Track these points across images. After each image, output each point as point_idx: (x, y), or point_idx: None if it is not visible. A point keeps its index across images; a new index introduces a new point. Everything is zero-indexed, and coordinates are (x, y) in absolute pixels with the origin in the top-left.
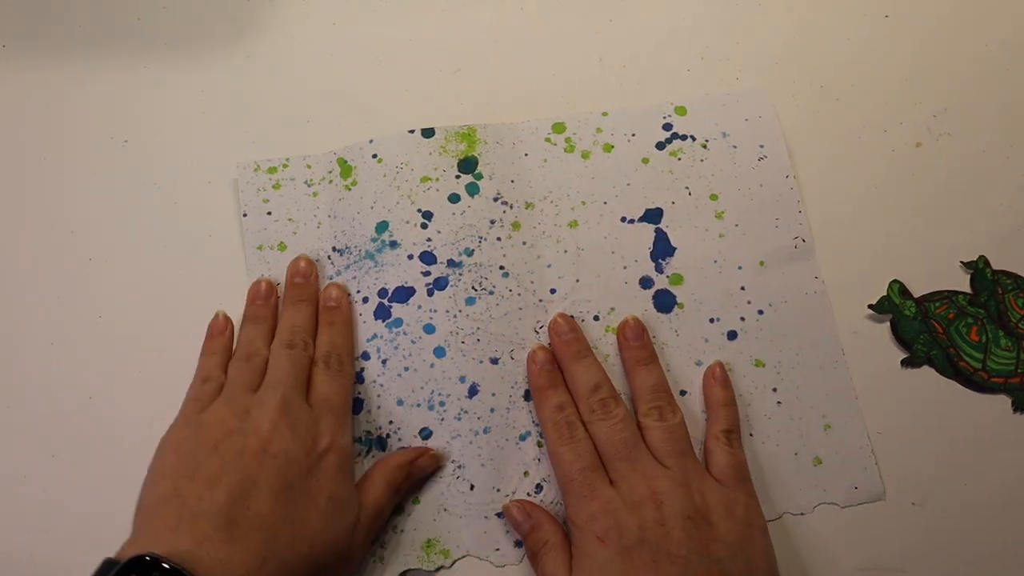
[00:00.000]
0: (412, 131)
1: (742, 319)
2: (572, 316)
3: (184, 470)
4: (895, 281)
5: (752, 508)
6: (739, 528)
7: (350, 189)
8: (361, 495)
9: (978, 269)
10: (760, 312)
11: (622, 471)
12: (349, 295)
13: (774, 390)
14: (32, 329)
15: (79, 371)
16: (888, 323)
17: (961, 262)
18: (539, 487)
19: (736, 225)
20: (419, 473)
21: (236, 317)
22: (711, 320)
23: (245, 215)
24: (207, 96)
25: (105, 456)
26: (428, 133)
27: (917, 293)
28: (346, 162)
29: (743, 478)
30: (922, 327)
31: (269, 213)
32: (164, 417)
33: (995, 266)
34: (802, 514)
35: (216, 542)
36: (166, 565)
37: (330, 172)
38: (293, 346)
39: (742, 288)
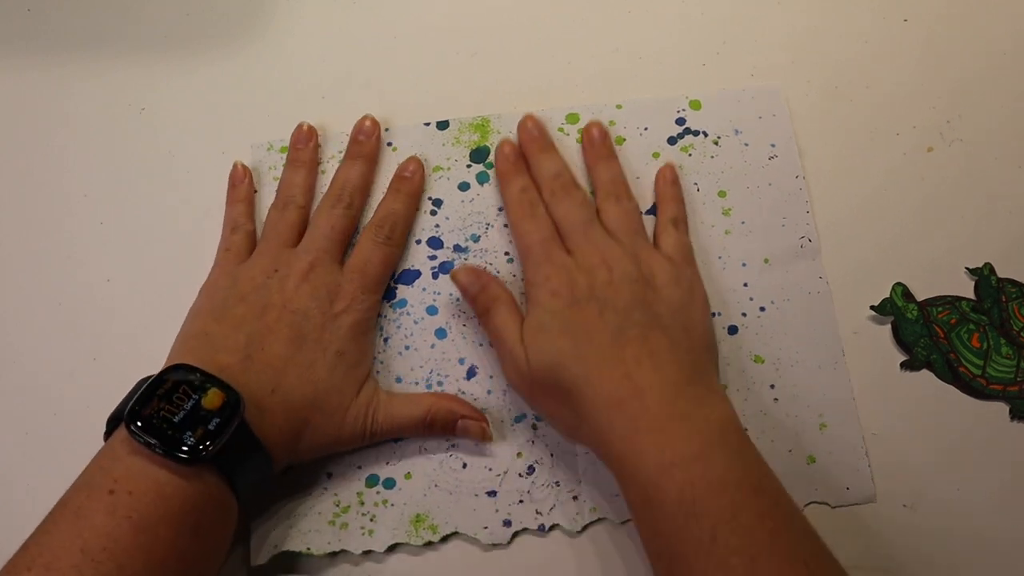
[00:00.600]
0: (428, 124)
1: (743, 315)
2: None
3: (214, 314)
4: (898, 283)
5: (695, 281)
6: (681, 294)
7: None
8: (396, 398)
9: (983, 276)
10: (762, 309)
11: (577, 242)
12: (424, 170)
13: (771, 387)
14: (41, 288)
15: (85, 332)
16: (889, 325)
17: (966, 268)
18: (531, 468)
19: (743, 222)
20: (462, 432)
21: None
22: (712, 314)
23: (255, 192)
24: (223, 70)
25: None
26: (443, 125)
27: (920, 297)
28: None
29: (689, 259)
30: (923, 331)
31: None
32: None
33: (1000, 274)
34: None
35: (235, 370)
36: (198, 372)
37: (341, 153)
38: (338, 203)
39: (745, 284)
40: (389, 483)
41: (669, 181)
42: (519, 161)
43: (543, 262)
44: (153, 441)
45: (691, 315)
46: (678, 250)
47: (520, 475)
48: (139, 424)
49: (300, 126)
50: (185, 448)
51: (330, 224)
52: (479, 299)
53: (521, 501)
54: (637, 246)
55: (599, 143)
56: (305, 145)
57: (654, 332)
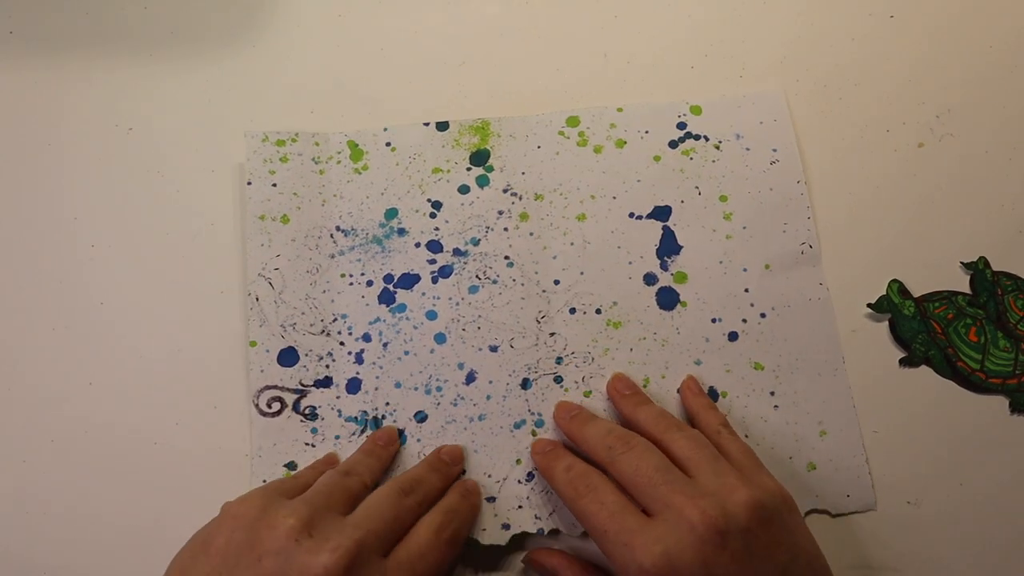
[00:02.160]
0: (427, 124)
1: (744, 321)
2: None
3: (221, 565)
4: (894, 280)
5: (788, 498)
6: (783, 515)
7: (360, 173)
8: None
9: (978, 270)
10: (762, 315)
11: (661, 496)
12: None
13: (771, 394)
14: (34, 314)
15: (79, 357)
16: (887, 322)
17: (961, 263)
18: (530, 475)
19: (744, 227)
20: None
21: (233, 299)
22: (713, 320)
23: (249, 183)
24: (212, 86)
25: (103, 442)
26: (442, 126)
27: (917, 293)
28: (357, 146)
29: (759, 463)
30: (921, 327)
31: (274, 185)
32: (162, 404)
33: (995, 267)
34: None
35: None
36: None
37: (339, 153)
38: (406, 494)
39: (746, 290)
40: None
41: (696, 393)
42: (557, 447)
43: (627, 544)
44: None
45: (798, 532)
46: (748, 457)
47: (519, 481)
48: None
49: (390, 430)
50: None
51: (393, 507)
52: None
53: (520, 507)
54: (722, 474)
55: (630, 394)
56: (384, 446)
57: None
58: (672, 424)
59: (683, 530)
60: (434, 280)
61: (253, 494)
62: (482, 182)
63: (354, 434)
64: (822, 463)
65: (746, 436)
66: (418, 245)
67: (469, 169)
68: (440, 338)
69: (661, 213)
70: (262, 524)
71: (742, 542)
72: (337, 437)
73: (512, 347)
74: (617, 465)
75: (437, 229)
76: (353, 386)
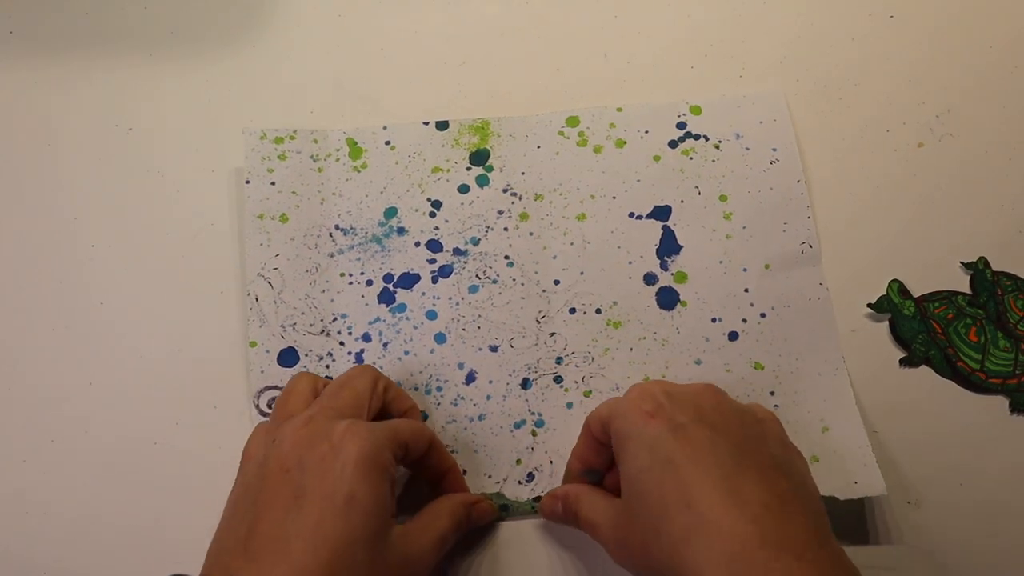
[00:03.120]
0: (427, 123)
1: (744, 321)
2: (574, 308)
3: (226, 514)
4: (894, 280)
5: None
6: (790, 451)
7: (359, 171)
8: (422, 523)
9: (978, 270)
10: (762, 315)
11: (666, 393)
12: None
13: (772, 393)
14: (34, 314)
15: (79, 357)
16: (887, 322)
17: (961, 263)
18: (531, 476)
19: (744, 227)
20: (478, 520)
21: (232, 299)
22: (713, 320)
23: (248, 182)
24: (212, 85)
25: (103, 442)
26: (442, 126)
27: (917, 293)
28: (356, 144)
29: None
30: (921, 327)
31: (273, 183)
32: (162, 404)
33: (995, 267)
34: None
35: (237, 564)
36: None
37: (338, 151)
38: (356, 390)
39: (746, 290)
40: None
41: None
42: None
43: (633, 389)
44: None
45: (800, 463)
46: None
47: (519, 482)
48: None
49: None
50: None
51: (353, 392)
52: (564, 510)
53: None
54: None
55: None
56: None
57: (775, 473)
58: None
59: (688, 389)
60: (434, 280)
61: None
62: (482, 182)
63: None
64: (825, 456)
65: None
66: (418, 244)
67: (469, 169)
68: (440, 338)
69: (661, 213)
70: (239, 483)
71: (736, 414)
72: None
73: (512, 347)
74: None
75: (437, 228)
76: None
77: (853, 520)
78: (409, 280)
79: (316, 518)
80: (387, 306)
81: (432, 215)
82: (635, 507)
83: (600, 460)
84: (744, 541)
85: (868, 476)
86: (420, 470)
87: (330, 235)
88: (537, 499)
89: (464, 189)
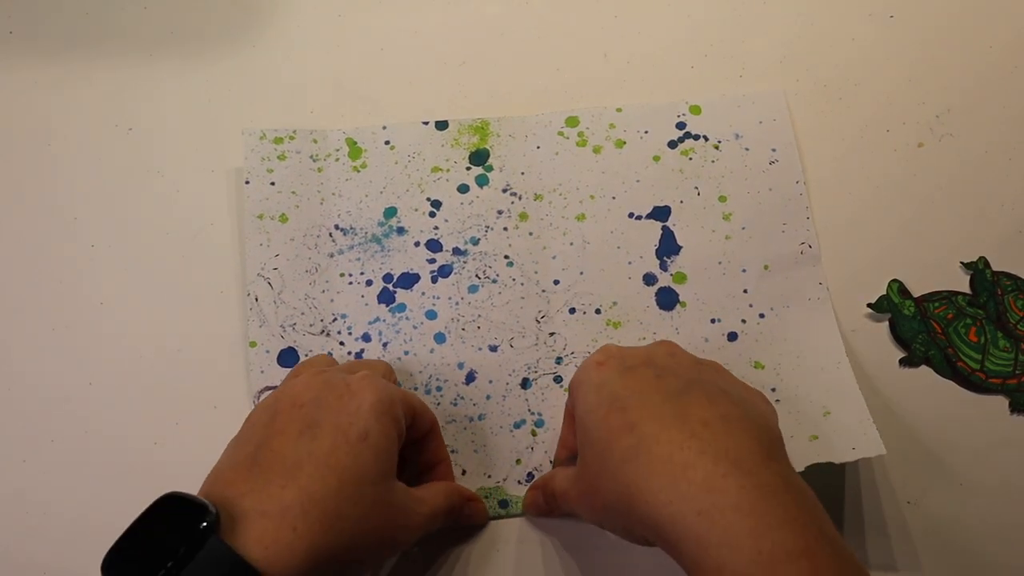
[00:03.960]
0: (426, 122)
1: (743, 321)
2: (574, 308)
3: (230, 445)
4: (894, 280)
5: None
6: (746, 390)
7: (359, 171)
8: (420, 492)
9: (978, 270)
10: (761, 315)
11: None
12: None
13: (773, 390)
14: (34, 314)
15: (79, 357)
16: (887, 322)
17: (961, 263)
18: (530, 475)
19: (743, 228)
20: (470, 516)
21: (232, 299)
22: (712, 320)
23: (247, 182)
24: (211, 85)
25: (104, 442)
26: (441, 125)
27: (917, 293)
28: (356, 143)
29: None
30: (921, 327)
31: (272, 183)
32: (162, 404)
33: (995, 267)
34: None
35: (238, 482)
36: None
37: (337, 150)
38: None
39: (745, 291)
40: None
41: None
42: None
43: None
44: None
45: (760, 403)
46: None
47: (519, 482)
48: (111, 565)
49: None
50: None
51: (368, 366)
52: (543, 499)
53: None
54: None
55: None
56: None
57: (722, 398)
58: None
59: (644, 346)
60: (434, 279)
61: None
62: (481, 181)
63: None
64: (825, 433)
65: None
66: (417, 244)
67: (468, 168)
68: (440, 338)
69: (660, 213)
70: (250, 420)
71: (692, 361)
72: None
73: (512, 347)
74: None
75: (436, 228)
76: None
77: (853, 520)
78: (409, 280)
79: (328, 447)
80: (387, 306)
81: (432, 215)
82: (586, 450)
83: None
84: (682, 448)
85: (867, 441)
86: (417, 453)
87: (330, 235)
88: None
89: (464, 189)
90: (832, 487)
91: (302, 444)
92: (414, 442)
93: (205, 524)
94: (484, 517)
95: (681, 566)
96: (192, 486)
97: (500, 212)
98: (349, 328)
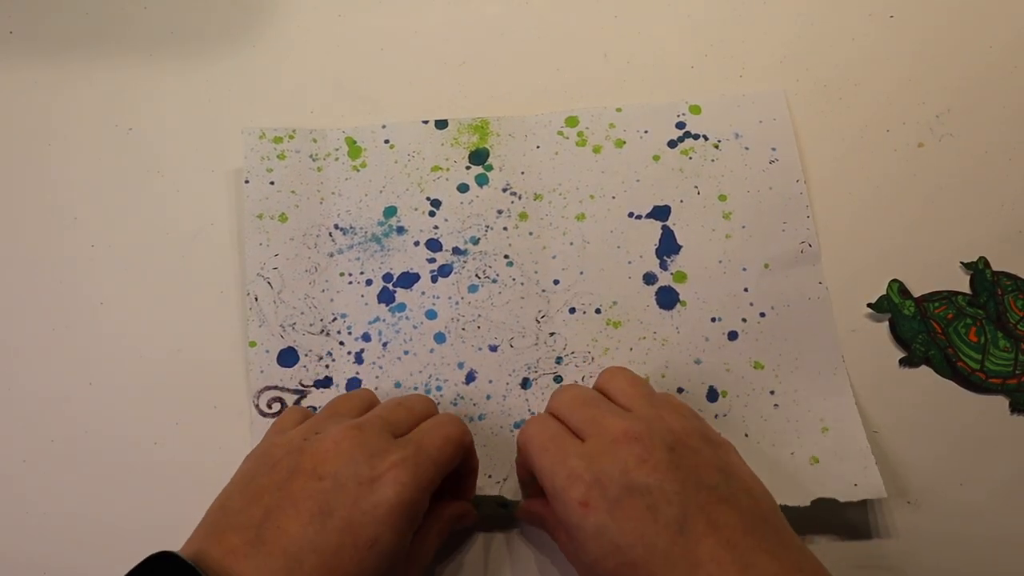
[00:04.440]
0: (426, 121)
1: (743, 320)
2: (574, 308)
3: (241, 483)
4: (894, 280)
5: (715, 432)
6: (720, 451)
7: (358, 170)
8: (416, 551)
9: (978, 270)
10: (762, 315)
11: (589, 417)
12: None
13: (772, 392)
14: (34, 314)
15: (80, 357)
16: (887, 322)
17: (961, 263)
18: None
19: (743, 227)
20: (458, 526)
21: (232, 299)
22: (712, 319)
23: (247, 181)
24: (211, 86)
25: (104, 442)
26: (441, 124)
27: (917, 293)
28: (355, 143)
29: (695, 413)
30: (921, 327)
31: (272, 183)
32: (162, 404)
33: (995, 267)
34: (799, 506)
35: (239, 555)
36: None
37: (337, 150)
38: (412, 409)
39: (745, 290)
40: None
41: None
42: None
43: (559, 461)
44: None
45: (739, 471)
46: (683, 408)
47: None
48: None
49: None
50: None
51: (405, 408)
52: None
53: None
54: (655, 406)
55: None
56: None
57: (719, 510)
58: (618, 370)
59: (606, 442)
60: (433, 279)
61: (263, 439)
62: (481, 181)
63: None
64: (825, 457)
65: (746, 435)
66: (417, 244)
67: (468, 168)
68: (440, 337)
69: (660, 213)
70: (270, 451)
71: (666, 454)
72: None
73: (512, 347)
74: (556, 399)
75: (436, 228)
76: (353, 386)
77: (853, 520)
78: (409, 280)
79: (335, 545)
80: (387, 306)
81: (431, 214)
82: None
83: None
84: None
85: (868, 478)
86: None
87: (329, 235)
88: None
89: (463, 188)
90: None
91: (310, 532)
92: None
93: None
94: (473, 520)
95: None
96: (192, 486)
97: (500, 212)
98: (349, 328)
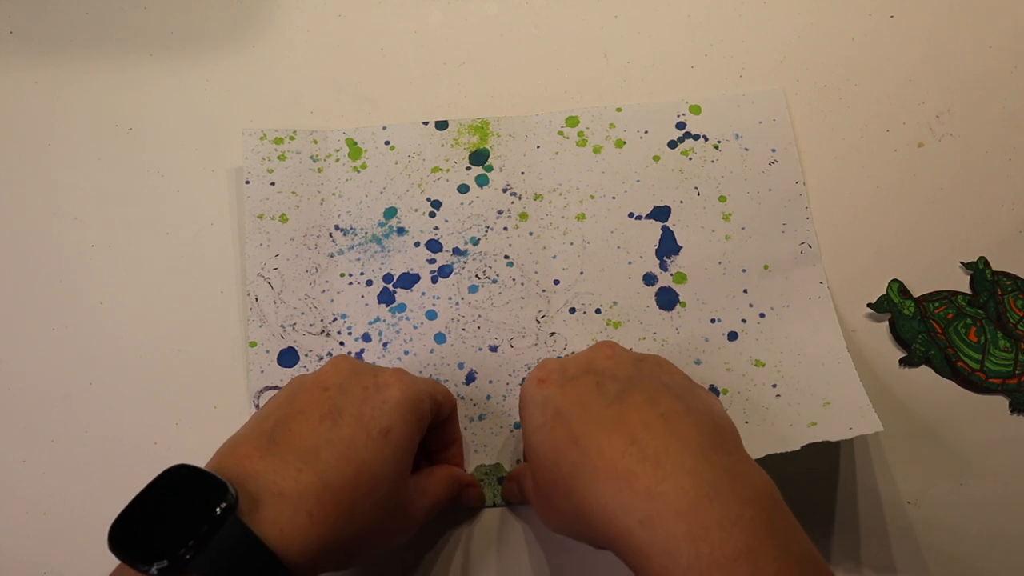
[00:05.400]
0: (426, 123)
1: (743, 321)
2: (574, 308)
3: (252, 420)
4: (895, 280)
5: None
6: (688, 381)
7: (359, 171)
8: (422, 482)
9: (978, 270)
10: (762, 315)
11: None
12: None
13: (774, 386)
14: (34, 314)
15: (80, 357)
16: (887, 322)
17: (961, 263)
18: None
19: (743, 228)
20: (467, 501)
21: (232, 299)
22: (712, 320)
23: (248, 182)
24: (211, 86)
25: (104, 442)
26: (441, 125)
27: (917, 293)
28: (356, 144)
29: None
30: (921, 327)
31: (272, 184)
32: (162, 404)
33: (995, 267)
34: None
35: (254, 458)
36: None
37: (337, 151)
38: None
39: (745, 290)
40: None
41: None
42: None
43: (536, 369)
44: (131, 558)
45: (703, 394)
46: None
47: None
48: (121, 539)
49: None
50: (164, 562)
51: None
52: (520, 490)
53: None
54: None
55: None
56: None
57: (662, 395)
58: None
59: (584, 352)
60: (434, 280)
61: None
62: (481, 181)
63: None
64: (823, 420)
65: (746, 422)
66: (417, 244)
67: (468, 168)
68: (440, 338)
69: (660, 213)
70: (275, 398)
71: (632, 359)
72: None
73: (512, 347)
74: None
75: (436, 228)
76: None
77: (853, 520)
78: (409, 280)
79: (348, 436)
80: (387, 306)
81: (432, 215)
82: (537, 469)
83: None
84: (623, 456)
85: (865, 420)
86: (433, 435)
87: (330, 235)
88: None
89: (464, 189)
90: (832, 487)
91: (322, 429)
92: (433, 427)
93: (225, 504)
94: (481, 500)
95: (630, 567)
96: None
97: (500, 212)
98: (349, 328)
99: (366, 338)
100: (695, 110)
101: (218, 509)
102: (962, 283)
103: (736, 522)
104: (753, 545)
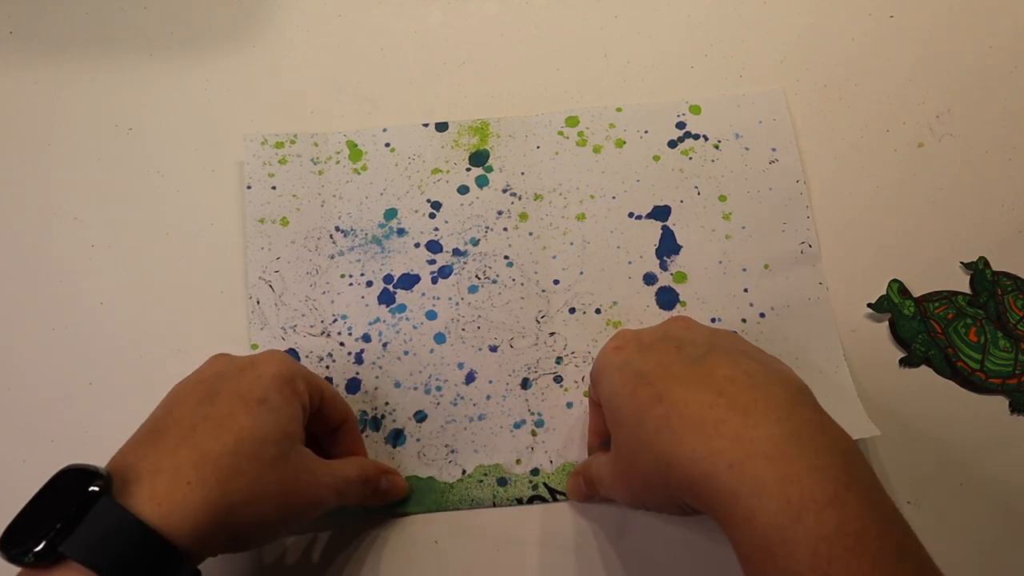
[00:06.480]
0: (426, 124)
1: (743, 320)
2: (574, 309)
3: (147, 419)
4: (895, 280)
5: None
6: (763, 352)
7: (359, 173)
8: (331, 463)
9: (978, 270)
10: (762, 315)
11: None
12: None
13: None
14: (34, 314)
15: (80, 357)
16: (887, 322)
17: (961, 263)
18: (534, 471)
19: (743, 227)
20: (387, 489)
21: (233, 299)
22: (712, 320)
23: (249, 187)
24: (211, 86)
25: (104, 442)
26: (442, 127)
27: (917, 293)
28: (356, 146)
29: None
30: (921, 327)
31: (274, 188)
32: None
33: (995, 267)
34: None
35: (136, 450)
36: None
37: (338, 153)
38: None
39: (745, 290)
40: None
41: None
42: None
43: (608, 342)
44: (10, 555)
45: (779, 363)
46: None
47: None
48: (5, 540)
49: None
50: (37, 549)
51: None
52: (587, 484)
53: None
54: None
55: None
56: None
57: (742, 358)
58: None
59: (645, 330)
60: (434, 280)
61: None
62: (481, 182)
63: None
64: None
65: None
66: (418, 245)
67: (468, 169)
68: (440, 338)
69: (660, 213)
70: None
71: (707, 330)
72: None
73: (512, 347)
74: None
75: (436, 229)
76: (353, 386)
77: None
78: (409, 281)
79: (226, 410)
80: (387, 307)
81: (432, 216)
82: (618, 431)
83: None
84: (711, 407)
85: (859, 424)
86: (331, 446)
87: (330, 237)
88: (534, 475)
89: (464, 190)
90: None
91: (200, 410)
92: (329, 434)
93: (95, 487)
94: (404, 491)
95: (717, 521)
96: None
97: (500, 212)
98: (349, 329)
99: (366, 339)
100: (695, 110)
101: (89, 491)
102: (962, 283)
103: (825, 470)
104: (841, 493)
